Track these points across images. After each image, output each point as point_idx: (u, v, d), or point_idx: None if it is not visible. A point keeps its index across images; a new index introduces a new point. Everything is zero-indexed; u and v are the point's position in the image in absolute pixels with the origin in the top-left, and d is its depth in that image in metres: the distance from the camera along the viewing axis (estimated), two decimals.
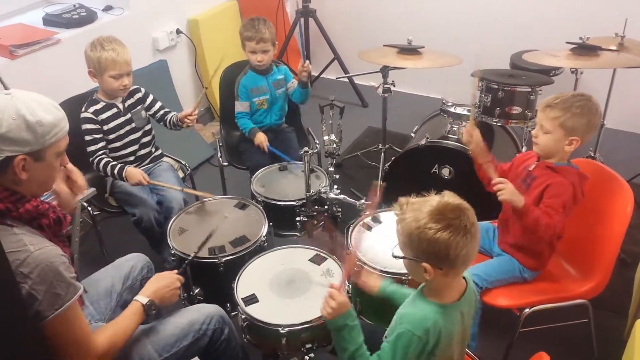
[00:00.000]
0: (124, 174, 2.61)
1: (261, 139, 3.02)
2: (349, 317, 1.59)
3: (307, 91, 3.10)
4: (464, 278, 1.59)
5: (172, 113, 2.86)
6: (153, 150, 2.90)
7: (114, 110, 2.70)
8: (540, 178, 2.12)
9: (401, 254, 1.53)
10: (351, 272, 1.84)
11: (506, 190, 1.99)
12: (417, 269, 1.49)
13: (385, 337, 1.64)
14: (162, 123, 2.88)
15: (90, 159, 2.65)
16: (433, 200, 1.47)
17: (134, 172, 2.62)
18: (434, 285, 1.54)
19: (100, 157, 2.65)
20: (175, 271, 1.95)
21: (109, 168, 2.63)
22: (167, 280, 1.87)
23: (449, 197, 1.48)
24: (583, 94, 2.10)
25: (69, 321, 1.50)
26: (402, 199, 1.53)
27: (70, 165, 1.90)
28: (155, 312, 1.80)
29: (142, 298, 1.78)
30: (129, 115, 2.74)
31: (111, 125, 2.68)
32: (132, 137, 2.76)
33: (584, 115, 2.03)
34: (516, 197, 1.99)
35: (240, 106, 3.10)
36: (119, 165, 2.65)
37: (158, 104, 2.85)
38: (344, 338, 1.58)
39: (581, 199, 2.10)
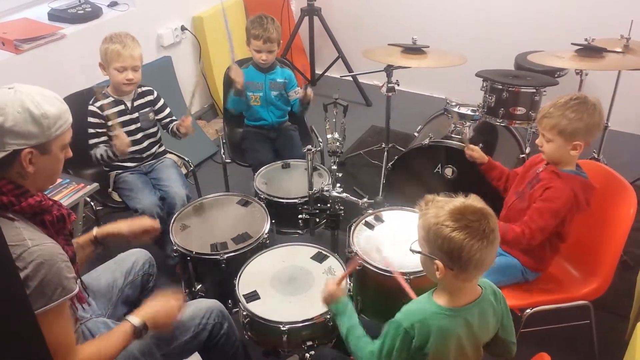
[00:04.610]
0: (115, 150, 2.59)
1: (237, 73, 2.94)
2: (339, 304, 1.76)
3: (307, 108, 3.11)
4: (481, 287, 1.57)
5: (174, 122, 2.86)
6: (157, 147, 2.90)
7: (121, 107, 2.70)
8: (543, 181, 2.12)
9: (419, 249, 1.53)
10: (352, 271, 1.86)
11: None
12: (431, 266, 1.48)
13: None
14: (165, 130, 2.89)
15: (90, 152, 2.66)
16: (457, 200, 1.47)
17: (120, 141, 2.57)
18: (444, 286, 1.53)
19: (95, 148, 2.65)
20: (183, 295, 1.82)
21: (104, 153, 2.63)
22: (166, 308, 1.75)
23: (473, 200, 1.47)
24: (578, 96, 2.06)
25: (50, 324, 1.43)
26: (429, 196, 1.53)
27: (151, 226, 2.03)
28: (142, 336, 1.70)
29: (135, 319, 1.67)
30: (135, 115, 2.74)
31: (116, 121, 2.67)
32: (136, 136, 2.76)
33: (581, 118, 2.01)
34: None
35: None
36: (110, 147, 2.63)
37: (167, 111, 2.85)
38: (338, 322, 1.75)
39: (585, 208, 2.10)
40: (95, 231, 1.96)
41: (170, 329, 1.80)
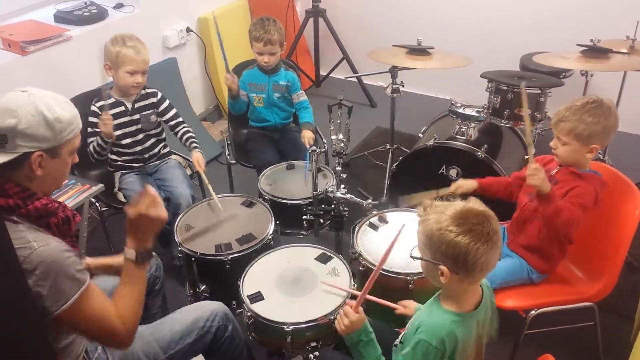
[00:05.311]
0: (102, 135, 2.58)
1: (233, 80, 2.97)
2: (363, 333, 1.66)
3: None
4: (480, 285, 1.58)
5: (187, 129, 2.86)
6: (161, 148, 2.91)
7: (121, 108, 2.71)
8: (563, 182, 2.11)
9: (419, 255, 1.52)
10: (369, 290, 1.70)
11: (538, 177, 1.95)
12: (434, 271, 1.48)
13: (400, 342, 1.64)
14: (173, 132, 2.89)
15: (88, 149, 2.67)
16: (458, 204, 1.46)
17: (103, 125, 2.56)
18: (450, 291, 1.53)
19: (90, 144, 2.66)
20: (151, 193, 1.62)
21: (95, 144, 2.64)
22: (145, 220, 1.61)
23: (474, 203, 1.47)
24: (594, 99, 2.05)
25: (81, 312, 1.47)
26: (427, 202, 1.52)
27: None
28: (150, 258, 1.65)
29: (130, 253, 1.61)
30: (136, 116, 2.75)
31: (115, 122, 2.66)
32: (136, 138, 2.77)
33: (598, 122, 2.00)
34: (545, 183, 1.96)
35: None
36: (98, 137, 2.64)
37: (172, 112, 2.86)
38: (359, 352, 1.65)
39: (599, 205, 2.10)
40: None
41: (164, 221, 1.64)
